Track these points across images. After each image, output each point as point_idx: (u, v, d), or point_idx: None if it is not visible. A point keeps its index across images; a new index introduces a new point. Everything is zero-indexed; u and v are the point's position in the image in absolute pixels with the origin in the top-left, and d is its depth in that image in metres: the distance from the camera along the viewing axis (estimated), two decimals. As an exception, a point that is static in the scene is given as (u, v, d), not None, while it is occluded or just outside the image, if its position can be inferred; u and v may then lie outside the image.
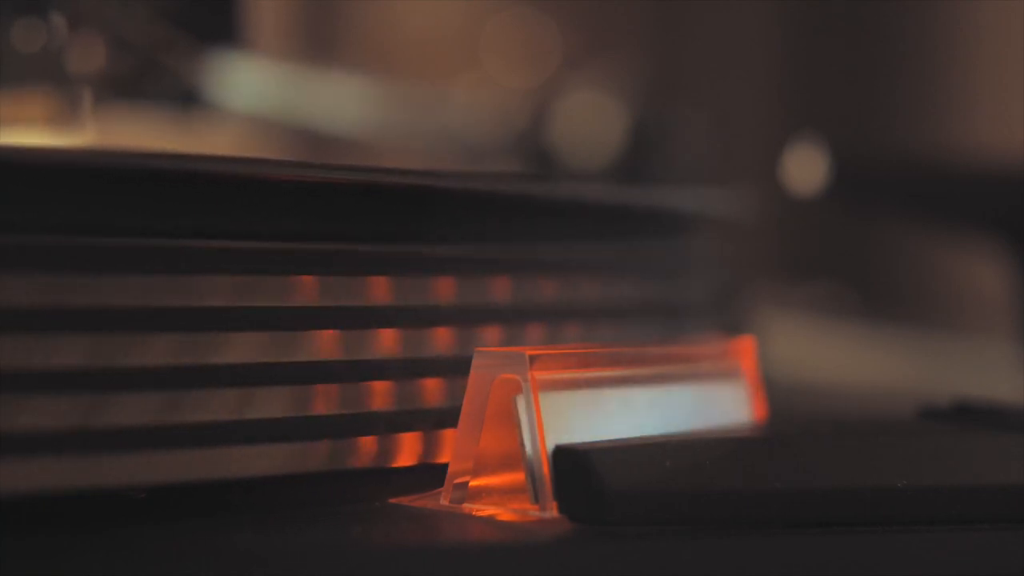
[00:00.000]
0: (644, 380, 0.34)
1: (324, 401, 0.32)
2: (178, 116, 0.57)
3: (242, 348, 0.31)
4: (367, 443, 0.33)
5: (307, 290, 0.32)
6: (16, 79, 0.53)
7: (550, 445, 0.31)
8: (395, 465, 0.33)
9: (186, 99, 0.58)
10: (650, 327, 0.40)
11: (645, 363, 0.34)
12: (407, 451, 0.33)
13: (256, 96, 0.60)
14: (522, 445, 0.31)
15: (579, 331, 0.37)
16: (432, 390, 0.34)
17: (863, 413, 0.53)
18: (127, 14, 0.57)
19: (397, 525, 0.31)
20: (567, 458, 0.31)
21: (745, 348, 0.37)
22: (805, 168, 0.53)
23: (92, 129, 0.53)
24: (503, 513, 0.32)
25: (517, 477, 0.31)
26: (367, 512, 0.32)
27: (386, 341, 0.33)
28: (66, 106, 0.52)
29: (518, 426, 0.31)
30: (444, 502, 0.32)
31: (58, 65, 0.54)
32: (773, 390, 0.38)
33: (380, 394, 0.33)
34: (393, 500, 0.33)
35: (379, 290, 0.33)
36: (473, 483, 0.32)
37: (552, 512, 0.31)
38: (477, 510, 0.32)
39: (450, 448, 0.33)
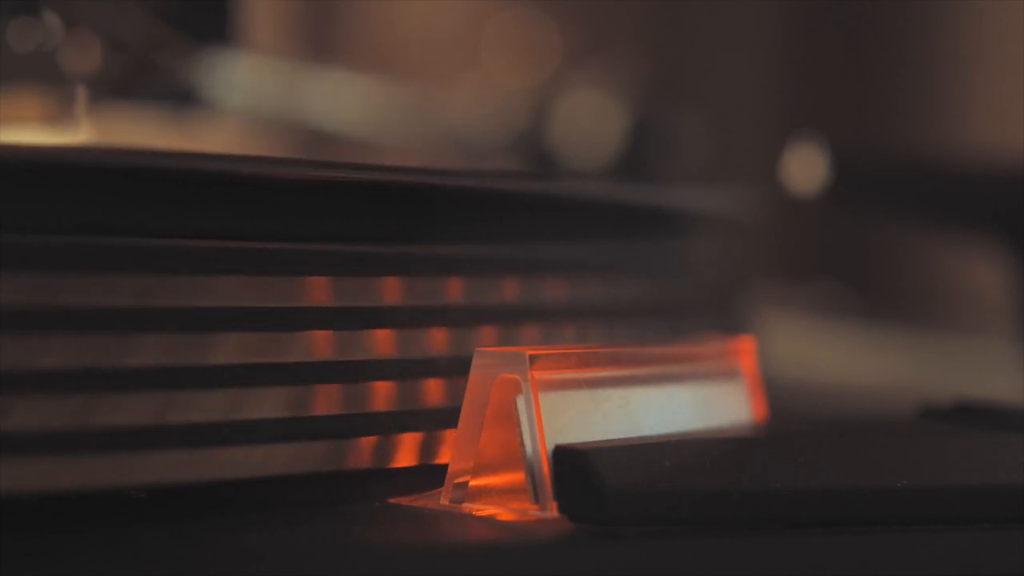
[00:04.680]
0: (644, 380, 0.34)
1: (324, 401, 0.32)
2: (174, 115, 0.57)
3: (242, 348, 0.31)
4: (367, 443, 0.33)
5: (307, 290, 0.32)
6: (11, 78, 0.52)
7: (550, 445, 0.31)
8: (395, 465, 0.33)
9: (182, 98, 0.58)
10: (650, 327, 0.40)
11: (645, 363, 0.34)
12: (407, 451, 0.33)
13: (253, 95, 0.60)
14: (522, 445, 0.31)
15: (579, 331, 0.37)
16: (432, 390, 0.34)
17: (863, 413, 0.53)
18: (122, 13, 0.57)
19: (397, 525, 0.31)
20: (567, 458, 0.31)
21: (745, 348, 0.37)
22: (805, 168, 0.53)
23: (88, 128, 0.53)
24: (503, 513, 0.32)
25: (517, 477, 0.31)
26: (367, 512, 0.32)
27: (386, 341, 0.33)
28: (62, 105, 0.52)
29: (518, 426, 0.31)
30: (444, 502, 0.32)
31: (53, 64, 0.54)
32: (773, 390, 0.38)
33: (380, 394, 0.33)
34: (393, 500, 0.33)
35: (379, 290, 0.33)
36: (473, 483, 0.32)
37: (552, 512, 0.31)
38: (477, 510, 0.32)
39: (450, 448, 0.33)
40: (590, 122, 0.66)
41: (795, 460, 0.32)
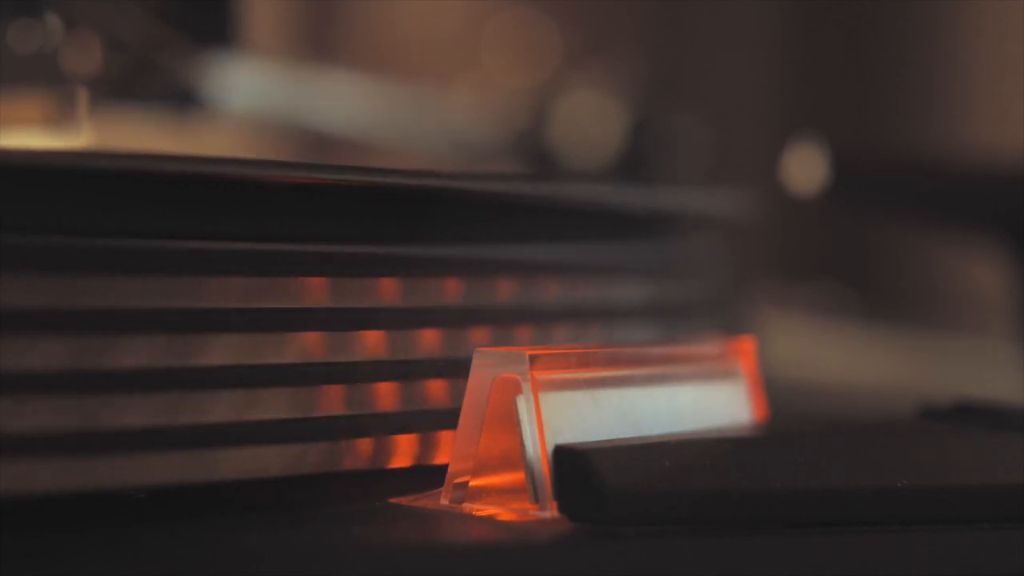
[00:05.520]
0: (644, 380, 0.34)
1: (324, 402, 0.32)
2: (175, 116, 0.57)
3: (242, 349, 0.31)
4: (367, 444, 0.33)
5: (307, 291, 0.32)
6: (12, 80, 0.52)
7: (550, 445, 0.31)
8: (395, 465, 0.33)
9: (183, 99, 0.58)
10: (650, 327, 0.40)
11: (645, 363, 0.34)
12: (407, 452, 0.33)
13: (253, 96, 0.60)
14: (522, 445, 0.31)
15: (579, 331, 0.37)
16: (432, 391, 0.34)
17: (863, 413, 0.53)
18: (123, 14, 0.57)
19: (397, 525, 0.31)
20: (567, 458, 0.31)
21: (745, 348, 0.37)
22: (805, 168, 0.53)
23: (89, 130, 0.53)
24: (503, 513, 0.32)
25: (517, 477, 0.31)
26: (367, 512, 0.32)
27: (387, 342, 0.33)
28: (62, 107, 0.52)
29: (518, 426, 0.31)
30: (444, 502, 0.32)
31: (54, 66, 0.54)
32: (773, 390, 0.38)
33: (380, 395, 0.33)
34: (393, 500, 0.33)
35: (379, 291, 0.33)
36: (473, 483, 0.32)
37: (552, 512, 0.31)
38: (477, 510, 0.32)
39: (450, 448, 0.33)
40: (590, 122, 0.66)
41: (795, 460, 0.32)
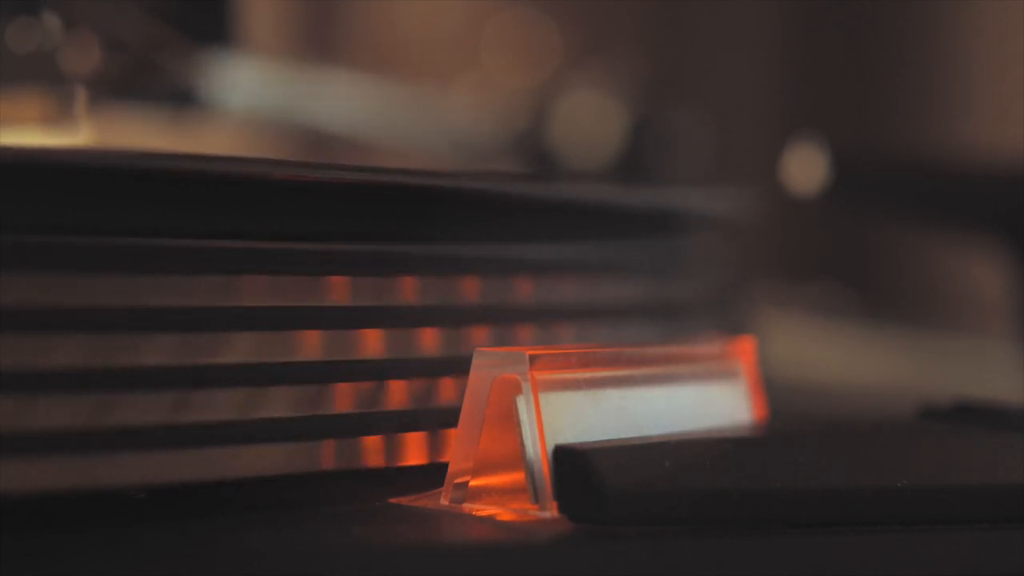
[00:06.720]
0: (644, 380, 0.34)
1: (324, 402, 0.32)
2: (173, 116, 0.57)
3: (242, 348, 0.31)
4: (367, 443, 0.33)
5: (307, 290, 0.32)
6: (11, 79, 0.53)
7: (550, 445, 0.31)
8: (395, 465, 0.33)
9: (181, 99, 0.58)
10: (650, 327, 0.40)
11: (645, 363, 0.34)
12: (407, 451, 0.33)
13: (253, 96, 0.60)
14: (522, 445, 0.31)
15: (579, 331, 0.37)
16: (432, 390, 0.34)
17: (863, 413, 0.53)
18: (122, 13, 0.57)
19: (397, 525, 0.31)
20: (567, 458, 0.31)
21: (745, 348, 0.37)
22: (805, 168, 0.53)
23: (87, 129, 0.53)
24: (503, 513, 0.32)
25: (517, 477, 0.31)
26: (367, 512, 0.32)
27: (389, 341, 0.33)
28: (61, 106, 0.52)
29: (518, 426, 0.31)
30: (444, 502, 0.32)
31: (53, 65, 0.54)
32: (773, 390, 0.38)
33: (380, 394, 0.33)
34: (393, 500, 0.33)
35: (382, 290, 0.33)
36: (473, 483, 0.32)
37: (552, 512, 0.31)
38: (477, 510, 0.32)
39: (450, 448, 0.33)
40: (590, 122, 0.66)
41: (795, 460, 0.32)
